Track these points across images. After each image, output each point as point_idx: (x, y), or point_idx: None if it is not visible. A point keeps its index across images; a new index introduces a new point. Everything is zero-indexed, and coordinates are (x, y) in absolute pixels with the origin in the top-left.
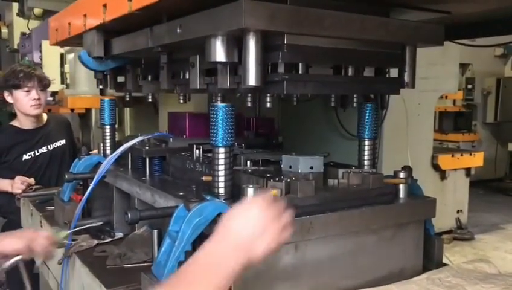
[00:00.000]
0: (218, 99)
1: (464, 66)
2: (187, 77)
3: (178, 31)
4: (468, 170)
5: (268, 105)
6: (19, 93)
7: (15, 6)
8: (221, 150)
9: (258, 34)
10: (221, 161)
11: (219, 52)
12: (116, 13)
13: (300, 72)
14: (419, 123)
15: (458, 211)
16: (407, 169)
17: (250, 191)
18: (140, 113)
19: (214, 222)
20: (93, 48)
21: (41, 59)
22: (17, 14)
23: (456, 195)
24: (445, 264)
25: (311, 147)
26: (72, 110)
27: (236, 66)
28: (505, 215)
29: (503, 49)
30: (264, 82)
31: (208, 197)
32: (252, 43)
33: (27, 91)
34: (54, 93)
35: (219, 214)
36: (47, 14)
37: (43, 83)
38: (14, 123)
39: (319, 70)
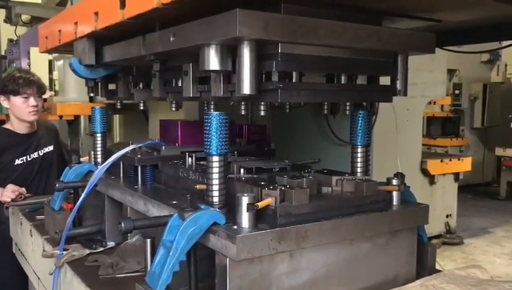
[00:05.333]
0: (212, 107)
1: (451, 72)
2: (179, 84)
3: (171, 39)
4: (456, 175)
5: (262, 113)
6: (17, 100)
7: (2, 12)
8: (215, 158)
9: (253, 43)
10: (215, 170)
11: (213, 61)
12: (108, 21)
13: (294, 81)
14: (408, 129)
15: (447, 216)
16: (400, 176)
17: (244, 199)
18: (130, 120)
19: (209, 231)
20: (85, 56)
21: (29, 66)
22: (5, 21)
23: (445, 200)
24: (438, 271)
25: (302, 154)
26: (61, 117)
27: (229, 74)
28: (493, 219)
29: (489, 55)
30: (258, 91)
31: (203, 206)
32: (246, 52)
33: (25, 98)
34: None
35: (214, 223)
36: (35, 20)
37: (41, 90)
38: (7, 126)
39: (312, 78)
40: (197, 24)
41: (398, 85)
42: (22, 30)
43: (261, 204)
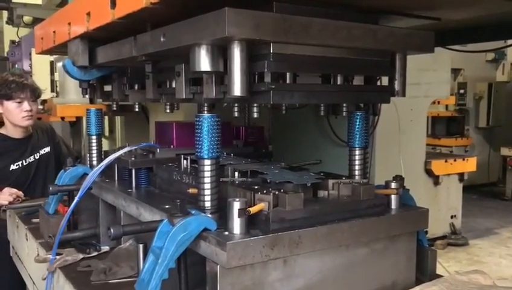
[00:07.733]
0: (205, 109)
1: (455, 71)
2: (173, 86)
3: (162, 39)
4: (461, 175)
5: (255, 115)
6: (10, 104)
7: (4, 14)
8: (207, 162)
9: (243, 43)
10: (207, 174)
11: (204, 62)
12: (100, 21)
13: (287, 82)
14: (411, 129)
15: (452, 217)
16: (399, 179)
17: (236, 204)
18: (132, 122)
19: (199, 237)
20: (78, 57)
21: (31, 67)
22: (7, 22)
23: (450, 200)
24: (438, 276)
25: (303, 155)
26: (63, 118)
27: (222, 75)
28: (498, 220)
29: (494, 54)
30: (249, 92)
31: (193, 212)
32: (236, 52)
33: (19, 102)
34: (43, 102)
35: (205, 229)
36: (37, 22)
37: (35, 94)
38: (1, 131)
39: (308, 79)
40: (186, 24)
41: (396, 85)
42: (24, 32)
43: (253, 209)
